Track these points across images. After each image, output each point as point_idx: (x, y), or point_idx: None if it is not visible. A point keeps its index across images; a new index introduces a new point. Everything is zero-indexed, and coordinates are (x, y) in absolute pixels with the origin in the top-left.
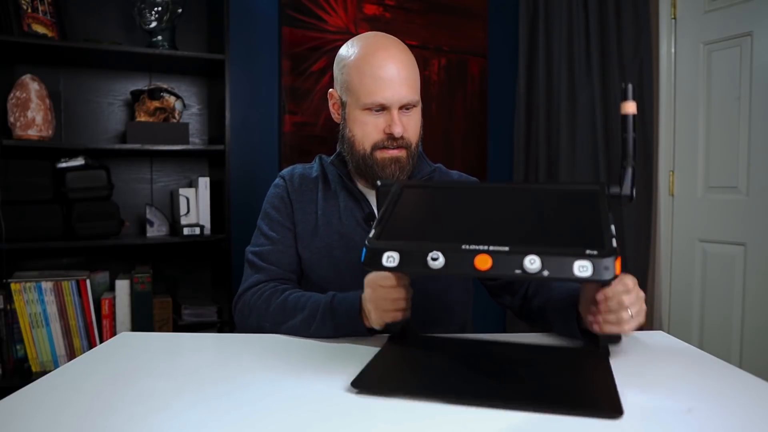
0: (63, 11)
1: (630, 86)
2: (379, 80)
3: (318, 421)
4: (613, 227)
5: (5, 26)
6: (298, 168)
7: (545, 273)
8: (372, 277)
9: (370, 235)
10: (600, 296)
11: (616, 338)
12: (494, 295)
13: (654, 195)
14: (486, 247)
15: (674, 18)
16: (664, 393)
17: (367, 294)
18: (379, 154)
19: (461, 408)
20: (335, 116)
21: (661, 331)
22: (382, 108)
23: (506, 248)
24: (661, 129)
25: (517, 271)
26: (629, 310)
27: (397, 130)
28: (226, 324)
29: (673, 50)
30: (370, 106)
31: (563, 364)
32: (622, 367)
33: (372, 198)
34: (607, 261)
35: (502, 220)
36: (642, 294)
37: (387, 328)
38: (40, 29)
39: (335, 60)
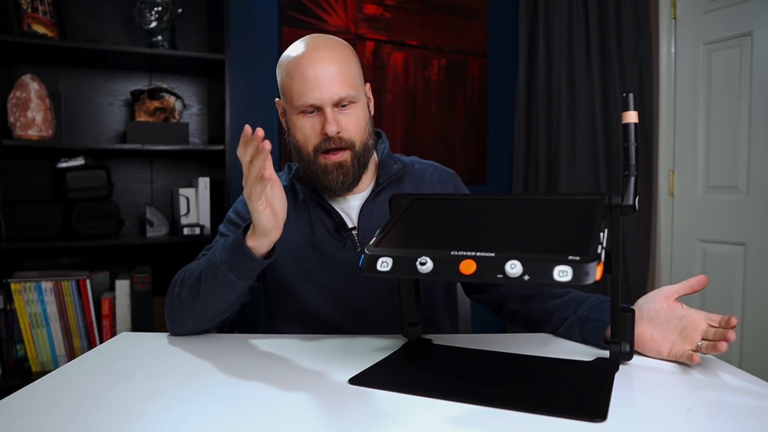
0: (63, 11)
1: (631, 96)
2: (307, 81)
3: (317, 415)
4: (604, 235)
5: (5, 26)
6: None
7: (526, 278)
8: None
9: (371, 242)
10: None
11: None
12: (467, 292)
13: (654, 195)
14: (473, 253)
15: (674, 18)
16: (664, 393)
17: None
18: (322, 160)
19: (448, 404)
20: (283, 125)
21: None
22: (316, 109)
23: (492, 254)
24: (661, 129)
25: (499, 276)
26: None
27: (330, 129)
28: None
29: (673, 50)
30: (303, 108)
31: (566, 374)
32: (623, 367)
33: (340, 209)
34: (588, 267)
35: (497, 230)
36: None
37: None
38: (40, 29)
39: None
